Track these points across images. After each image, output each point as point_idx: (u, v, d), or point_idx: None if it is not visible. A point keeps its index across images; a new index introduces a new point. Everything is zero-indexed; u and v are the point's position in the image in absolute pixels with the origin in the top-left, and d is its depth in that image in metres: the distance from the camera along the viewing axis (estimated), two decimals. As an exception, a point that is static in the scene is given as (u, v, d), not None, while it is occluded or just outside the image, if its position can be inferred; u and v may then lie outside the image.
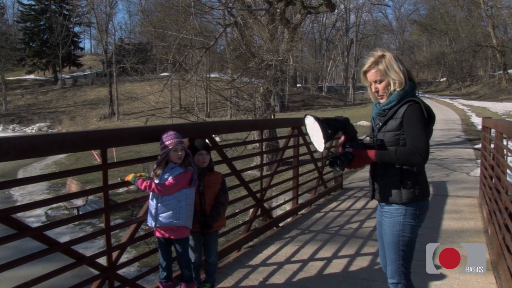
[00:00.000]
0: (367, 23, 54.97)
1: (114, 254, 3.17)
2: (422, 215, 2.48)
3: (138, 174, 3.03)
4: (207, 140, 4.17)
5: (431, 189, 4.05)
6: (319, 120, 2.43)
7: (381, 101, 2.49)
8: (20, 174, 19.70)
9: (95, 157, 18.93)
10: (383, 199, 2.51)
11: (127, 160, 3.55)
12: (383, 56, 2.43)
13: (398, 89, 2.41)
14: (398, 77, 2.40)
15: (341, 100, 49.33)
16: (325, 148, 2.50)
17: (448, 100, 37.06)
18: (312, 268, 4.14)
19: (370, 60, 2.46)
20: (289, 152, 7.63)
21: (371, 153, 2.43)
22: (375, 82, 2.46)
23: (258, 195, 5.26)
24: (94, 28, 54.53)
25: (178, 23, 15.02)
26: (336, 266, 4.20)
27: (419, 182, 2.44)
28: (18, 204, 10.31)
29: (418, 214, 2.45)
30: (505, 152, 4.68)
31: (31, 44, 49.79)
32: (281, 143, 10.64)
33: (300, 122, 6.50)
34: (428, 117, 2.34)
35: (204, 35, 14.52)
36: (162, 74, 27.19)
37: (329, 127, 2.42)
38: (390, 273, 2.55)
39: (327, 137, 2.41)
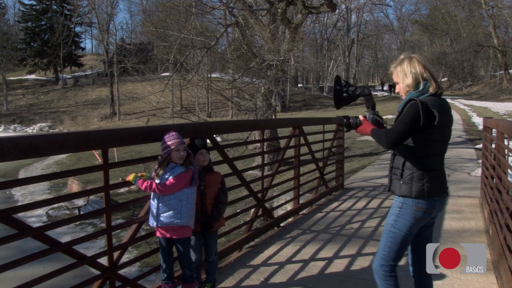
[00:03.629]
0: (368, 23, 55.03)
1: (115, 254, 3.18)
2: (419, 213, 2.49)
3: (139, 174, 3.03)
4: (208, 140, 4.18)
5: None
6: (336, 82, 2.79)
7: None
8: (21, 174, 19.72)
9: (96, 157, 18.94)
10: (390, 189, 2.64)
11: (128, 160, 3.56)
12: (402, 60, 2.60)
13: (411, 90, 2.53)
14: (406, 80, 2.56)
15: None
16: (337, 108, 2.87)
17: (449, 100, 36.81)
18: (313, 268, 4.14)
19: (393, 64, 2.67)
20: (290, 152, 7.63)
21: (369, 127, 2.65)
22: (397, 83, 2.66)
23: (259, 195, 5.26)
24: (95, 28, 54.73)
25: (179, 23, 15.03)
26: (337, 266, 4.20)
27: (421, 178, 2.47)
28: (19, 204, 10.33)
29: (415, 211, 2.48)
30: (506, 152, 4.68)
31: (32, 44, 49.85)
32: (282, 143, 10.64)
33: (301, 122, 6.50)
34: (426, 116, 2.38)
35: (205, 35, 14.52)
36: (163, 74, 27.24)
37: (346, 91, 2.77)
38: (375, 258, 2.70)
39: (337, 99, 2.80)
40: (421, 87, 2.50)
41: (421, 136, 2.45)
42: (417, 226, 2.56)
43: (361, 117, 2.73)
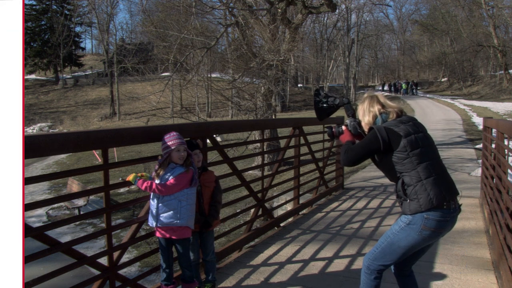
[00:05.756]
0: (368, 23, 54.84)
1: (115, 254, 3.18)
2: (426, 232, 2.46)
3: (139, 174, 3.03)
4: (208, 140, 4.18)
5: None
6: (316, 94, 2.92)
7: None
8: (22, 174, 19.68)
9: (96, 157, 18.94)
10: (403, 212, 2.60)
11: (128, 160, 3.55)
12: (364, 99, 2.76)
13: (371, 125, 2.67)
14: (365, 118, 2.73)
15: (342, 100, 49.02)
16: (320, 119, 2.99)
17: (449, 100, 37.00)
18: (313, 268, 4.14)
19: (359, 101, 2.82)
20: (290, 152, 7.63)
21: (347, 138, 2.78)
22: (360, 120, 2.83)
23: (259, 195, 5.26)
24: (95, 28, 54.60)
25: (179, 23, 15.01)
26: (337, 266, 4.20)
27: (424, 189, 2.45)
28: (20, 204, 10.29)
29: (422, 229, 2.46)
30: (506, 152, 4.68)
31: (32, 44, 49.74)
32: (282, 143, 10.63)
33: (301, 122, 6.50)
34: (385, 138, 2.51)
35: (205, 35, 14.50)
36: (163, 74, 27.18)
37: (326, 102, 2.89)
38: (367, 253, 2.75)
39: (317, 110, 2.91)
40: (379, 121, 2.65)
41: (398, 153, 2.50)
42: (420, 245, 2.54)
43: (343, 127, 2.84)
